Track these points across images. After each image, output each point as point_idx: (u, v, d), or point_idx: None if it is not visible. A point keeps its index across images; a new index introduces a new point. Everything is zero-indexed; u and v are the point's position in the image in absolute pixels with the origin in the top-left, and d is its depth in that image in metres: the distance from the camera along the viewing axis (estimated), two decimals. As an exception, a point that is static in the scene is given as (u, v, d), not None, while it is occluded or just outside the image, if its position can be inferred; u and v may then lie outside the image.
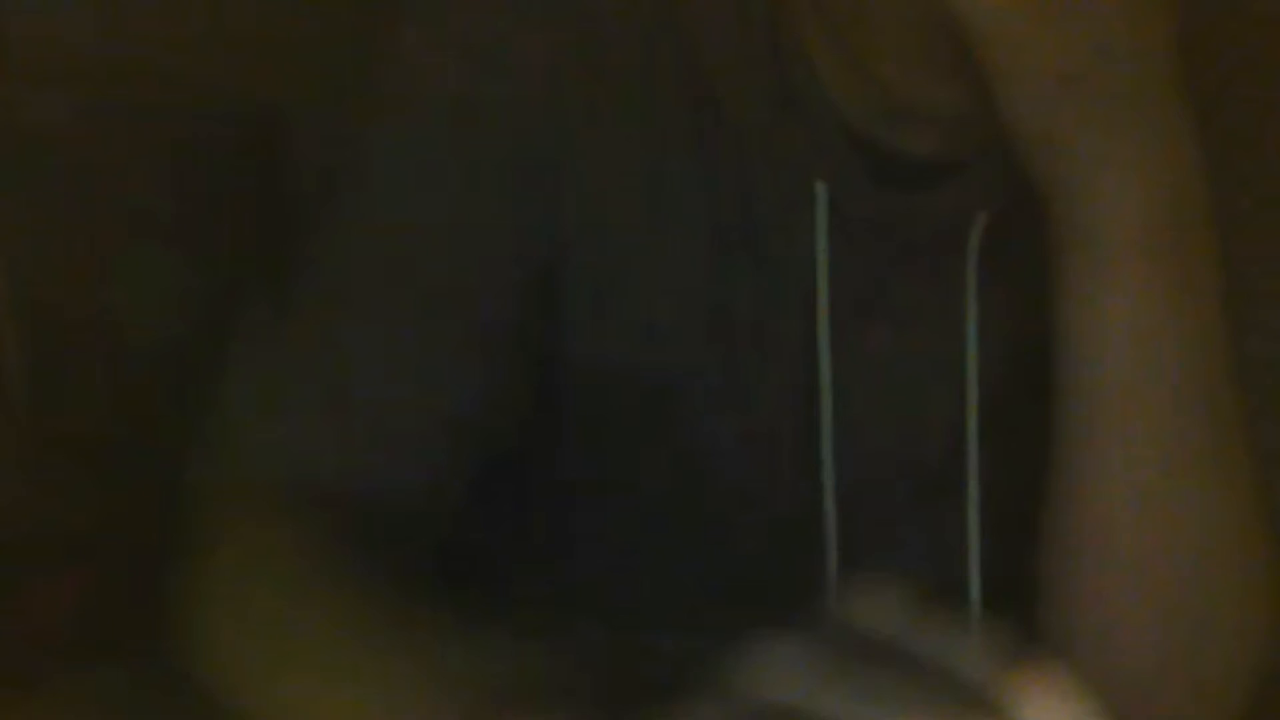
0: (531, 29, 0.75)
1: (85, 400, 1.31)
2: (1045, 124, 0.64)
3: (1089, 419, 0.69)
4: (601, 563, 0.83)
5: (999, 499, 0.78)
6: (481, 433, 0.78)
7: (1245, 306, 0.73)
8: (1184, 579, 0.70)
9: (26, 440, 1.34)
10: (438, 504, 0.78)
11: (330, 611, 0.68)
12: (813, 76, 0.74)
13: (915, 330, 0.78)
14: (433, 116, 0.76)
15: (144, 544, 0.75)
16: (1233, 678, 0.72)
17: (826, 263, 0.75)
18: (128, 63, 1.23)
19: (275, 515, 0.73)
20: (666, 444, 0.80)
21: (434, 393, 0.77)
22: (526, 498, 0.84)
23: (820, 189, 0.74)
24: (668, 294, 0.77)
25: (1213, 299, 0.69)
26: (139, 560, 0.76)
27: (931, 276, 0.77)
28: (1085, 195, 0.66)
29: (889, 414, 0.79)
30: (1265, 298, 0.79)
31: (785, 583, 0.79)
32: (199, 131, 1.24)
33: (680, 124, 0.76)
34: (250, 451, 0.77)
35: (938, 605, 0.51)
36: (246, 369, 0.78)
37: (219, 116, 1.25)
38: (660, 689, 0.58)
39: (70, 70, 1.28)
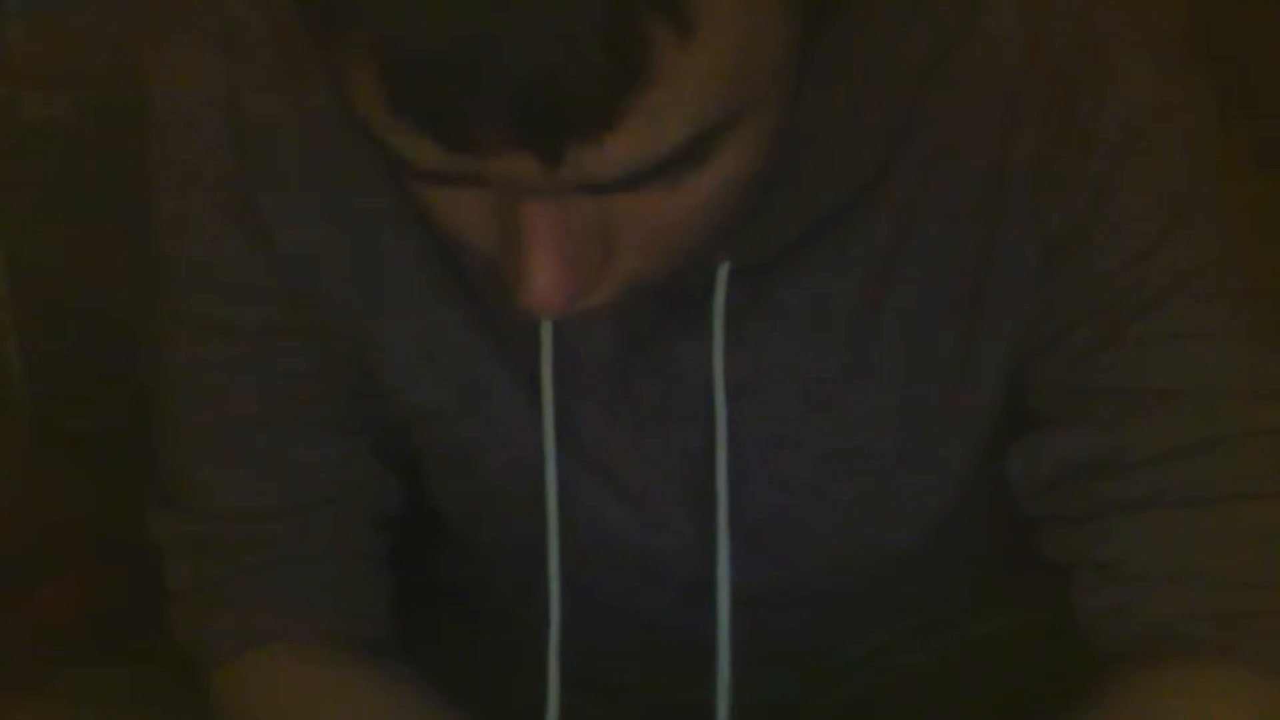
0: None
1: (85, 400, 1.32)
2: None
3: None
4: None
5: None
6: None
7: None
8: None
9: (26, 440, 1.34)
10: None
11: None
12: None
13: (668, 382, 0.72)
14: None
15: (144, 544, 0.75)
16: None
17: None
18: (128, 63, 1.24)
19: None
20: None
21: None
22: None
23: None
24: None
25: None
26: (139, 560, 0.76)
27: (682, 330, 0.71)
28: None
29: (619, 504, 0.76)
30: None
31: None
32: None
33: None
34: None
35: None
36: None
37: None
38: None
39: (71, 70, 1.28)
